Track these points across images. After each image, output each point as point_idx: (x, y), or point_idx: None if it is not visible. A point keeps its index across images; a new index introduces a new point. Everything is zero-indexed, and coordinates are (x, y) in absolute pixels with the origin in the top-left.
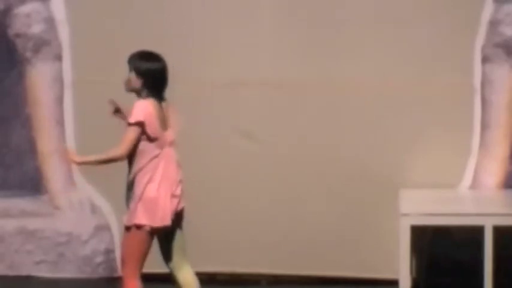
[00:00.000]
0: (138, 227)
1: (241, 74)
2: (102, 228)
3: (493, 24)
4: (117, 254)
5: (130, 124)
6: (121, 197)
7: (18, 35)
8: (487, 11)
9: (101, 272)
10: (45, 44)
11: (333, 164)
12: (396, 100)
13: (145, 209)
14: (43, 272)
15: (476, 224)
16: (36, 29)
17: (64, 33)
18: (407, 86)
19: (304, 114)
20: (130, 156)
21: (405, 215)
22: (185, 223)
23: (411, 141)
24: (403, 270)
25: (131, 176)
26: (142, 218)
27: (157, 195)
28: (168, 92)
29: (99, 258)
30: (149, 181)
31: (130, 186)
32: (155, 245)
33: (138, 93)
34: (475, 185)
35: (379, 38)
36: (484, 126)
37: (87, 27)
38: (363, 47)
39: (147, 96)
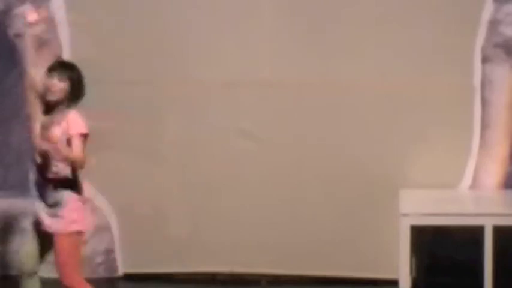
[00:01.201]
0: (79, 232)
1: (241, 74)
2: (102, 228)
3: (493, 24)
4: (117, 254)
5: (81, 135)
6: (121, 197)
7: (18, 35)
8: (487, 11)
9: (100, 272)
10: (45, 44)
11: (332, 164)
12: (396, 100)
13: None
14: (43, 272)
15: (476, 224)
16: (36, 29)
17: (64, 33)
18: (407, 86)
19: (304, 114)
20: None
21: (405, 215)
22: (186, 223)
23: (411, 141)
24: (403, 270)
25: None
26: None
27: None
28: (168, 92)
29: (99, 258)
30: None
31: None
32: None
33: (61, 103)
34: (475, 185)
35: (379, 38)
36: (484, 126)
37: (87, 27)
38: (363, 47)
39: (70, 105)
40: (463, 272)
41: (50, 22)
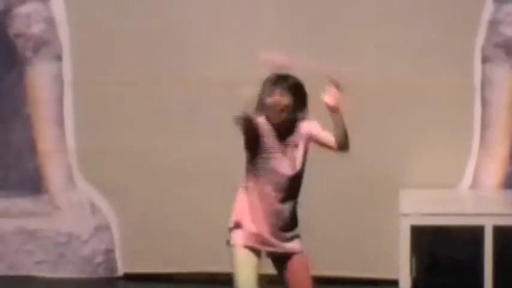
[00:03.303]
0: None
1: (241, 74)
2: (102, 228)
3: (493, 24)
4: (117, 254)
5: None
6: (121, 197)
7: (18, 35)
8: (487, 11)
9: (101, 272)
10: (45, 44)
11: (332, 164)
12: (396, 100)
13: None
14: (43, 272)
15: (476, 224)
16: (36, 29)
17: (64, 33)
18: (407, 86)
19: None
20: None
21: (405, 215)
22: (186, 223)
23: (411, 141)
24: (403, 270)
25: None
26: None
27: None
28: (167, 92)
29: (99, 258)
30: None
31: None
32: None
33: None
34: (475, 185)
35: (379, 38)
36: (484, 126)
37: (87, 27)
38: (363, 47)
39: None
40: (463, 272)
41: (50, 22)
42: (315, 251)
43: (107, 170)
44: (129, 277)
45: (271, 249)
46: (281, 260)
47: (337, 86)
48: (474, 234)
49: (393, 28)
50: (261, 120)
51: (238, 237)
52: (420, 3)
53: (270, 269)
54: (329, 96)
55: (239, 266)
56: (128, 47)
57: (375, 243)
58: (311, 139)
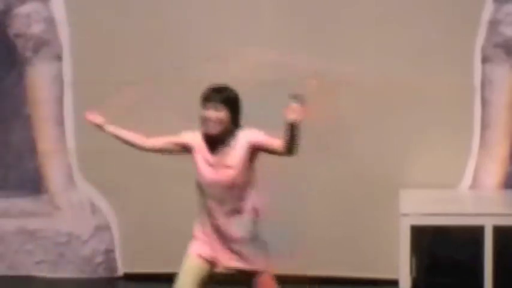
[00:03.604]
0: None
1: (241, 74)
2: (102, 228)
3: (493, 24)
4: (117, 254)
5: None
6: (121, 197)
7: (18, 35)
8: (487, 11)
9: (101, 272)
10: (45, 44)
11: (332, 164)
12: (396, 100)
13: None
14: (43, 272)
15: (476, 224)
16: (36, 29)
17: (64, 33)
18: (407, 86)
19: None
20: None
21: (405, 215)
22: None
23: (411, 141)
24: (403, 270)
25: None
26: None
27: None
28: (167, 93)
29: (99, 258)
30: None
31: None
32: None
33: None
34: (475, 185)
35: (379, 38)
36: (484, 126)
37: (87, 27)
38: (363, 47)
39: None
40: (463, 272)
41: (50, 22)
42: (315, 251)
43: (107, 170)
44: (129, 277)
45: (225, 264)
46: (244, 275)
47: (301, 101)
48: (474, 234)
49: (393, 28)
50: (196, 135)
51: (192, 247)
52: (420, 3)
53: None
54: (291, 112)
55: (180, 273)
56: (128, 47)
57: (375, 243)
58: (254, 147)
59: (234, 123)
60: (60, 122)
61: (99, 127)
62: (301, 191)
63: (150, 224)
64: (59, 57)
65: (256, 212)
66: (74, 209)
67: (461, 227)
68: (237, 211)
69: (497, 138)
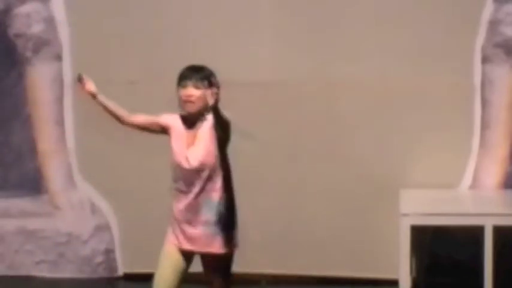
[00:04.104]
0: None
1: (241, 74)
2: (102, 228)
3: (493, 24)
4: (117, 254)
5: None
6: (121, 197)
7: (18, 35)
8: (487, 11)
9: (101, 272)
10: (45, 44)
11: (332, 164)
12: (396, 100)
13: None
14: (43, 272)
15: (476, 224)
16: (36, 29)
17: (64, 33)
18: (407, 86)
19: (304, 114)
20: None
21: (405, 215)
22: None
23: (411, 141)
24: (403, 270)
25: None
26: None
27: None
28: (167, 93)
29: (99, 258)
30: None
31: None
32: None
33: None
34: (475, 185)
35: (379, 38)
36: (484, 126)
37: (87, 27)
38: (363, 47)
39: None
40: (463, 272)
41: (50, 22)
42: (315, 251)
43: (107, 170)
44: (129, 277)
45: (193, 248)
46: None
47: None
48: (474, 234)
49: (393, 28)
50: (175, 117)
51: (168, 236)
52: (420, 3)
53: (269, 269)
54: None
55: (159, 262)
56: (128, 47)
57: (375, 243)
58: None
59: (211, 103)
60: (60, 122)
61: (93, 96)
62: (301, 191)
63: (150, 224)
64: (59, 57)
65: (223, 195)
66: (74, 209)
67: (461, 227)
68: (206, 193)
69: (497, 139)
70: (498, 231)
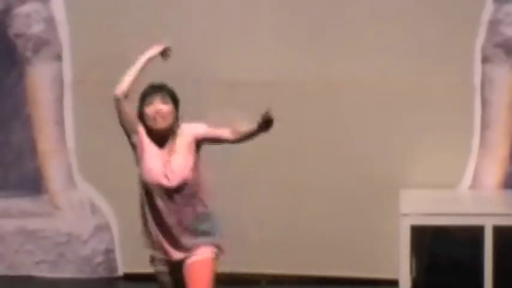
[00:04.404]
0: None
1: (241, 74)
2: (102, 228)
3: (493, 24)
4: (117, 254)
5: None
6: (121, 197)
7: (18, 35)
8: (487, 11)
9: (101, 272)
10: (45, 44)
11: (332, 164)
12: (396, 100)
13: None
14: (43, 272)
15: (476, 224)
16: (36, 29)
17: (64, 33)
18: (407, 86)
19: (304, 114)
20: None
21: (405, 215)
22: None
23: (411, 141)
24: (403, 270)
25: None
26: None
27: None
28: None
29: (99, 258)
30: None
31: None
32: None
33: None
34: (475, 185)
35: (379, 38)
36: (484, 126)
37: (87, 27)
38: (363, 47)
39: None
40: (463, 272)
41: (50, 22)
42: (315, 251)
43: (107, 170)
44: (129, 277)
45: (174, 256)
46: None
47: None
48: (474, 234)
49: (393, 28)
50: (143, 132)
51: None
52: (420, 4)
53: (269, 269)
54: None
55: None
56: (128, 47)
57: (375, 243)
58: (200, 139)
59: (177, 118)
60: (60, 122)
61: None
62: (301, 191)
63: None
64: (59, 57)
65: (206, 207)
66: (74, 209)
67: (461, 227)
68: (188, 211)
69: (497, 139)
70: (498, 231)
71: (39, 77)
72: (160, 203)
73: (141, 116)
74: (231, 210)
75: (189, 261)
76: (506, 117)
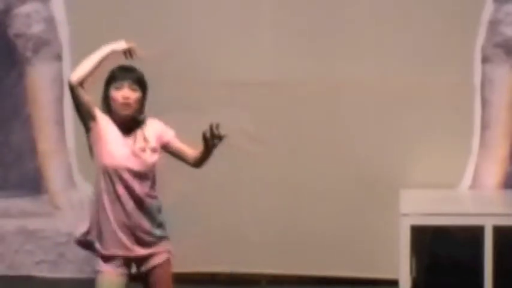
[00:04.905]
0: None
1: (241, 74)
2: None
3: (493, 24)
4: None
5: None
6: None
7: (18, 35)
8: (487, 11)
9: None
10: (45, 44)
11: (333, 164)
12: (396, 100)
13: None
14: (43, 272)
15: (476, 224)
16: (36, 29)
17: (64, 33)
18: (407, 86)
19: (304, 114)
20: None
21: (405, 215)
22: (185, 223)
23: (411, 141)
24: (403, 270)
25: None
26: None
27: None
28: (168, 92)
29: None
30: None
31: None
32: None
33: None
34: (475, 185)
35: (379, 38)
36: (484, 126)
37: (87, 27)
38: (363, 47)
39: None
40: (463, 272)
41: (50, 22)
42: (315, 251)
43: None
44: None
45: (133, 254)
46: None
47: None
48: (474, 234)
49: (393, 28)
50: (104, 117)
51: (102, 265)
52: (420, 3)
53: (269, 269)
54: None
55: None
56: None
57: (375, 243)
58: (163, 143)
59: (143, 104)
60: (60, 122)
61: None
62: (301, 191)
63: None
64: (59, 57)
65: (156, 198)
66: (74, 209)
67: (461, 227)
68: (147, 197)
69: (497, 139)
70: (498, 231)
71: (39, 77)
72: (120, 189)
73: (106, 98)
74: (231, 210)
75: (151, 264)
76: (506, 117)
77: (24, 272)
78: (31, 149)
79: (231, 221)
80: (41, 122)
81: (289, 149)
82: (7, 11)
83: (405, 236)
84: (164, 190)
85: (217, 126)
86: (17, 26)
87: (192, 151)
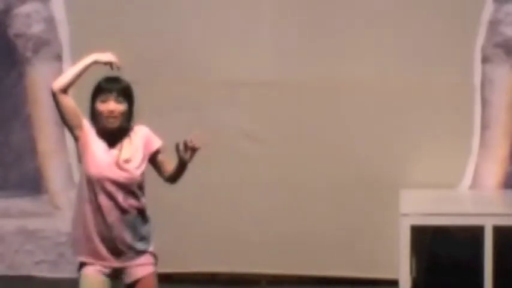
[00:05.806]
0: None
1: (242, 74)
2: None
3: (493, 24)
4: None
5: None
6: None
7: (18, 35)
8: (487, 11)
9: None
10: (45, 44)
11: (333, 164)
12: (396, 100)
13: None
14: (43, 272)
15: (476, 224)
16: (36, 29)
17: (64, 33)
18: (407, 86)
19: (304, 114)
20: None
21: (405, 215)
22: (185, 223)
23: (411, 141)
24: (403, 270)
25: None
26: None
27: None
28: (168, 92)
29: None
30: None
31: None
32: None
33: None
34: (475, 185)
35: (379, 38)
36: (484, 126)
37: (87, 27)
38: (363, 47)
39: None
40: (463, 272)
41: (50, 22)
42: (315, 251)
43: None
44: None
45: (111, 264)
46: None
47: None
48: (474, 234)
49: (393, 28)
50: (90, 127)
51: (86, 268)
52: (420, 3)
53: (269, 269)
54: (197, 140)
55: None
56: (128, 46)
57: (375, 243)
58: (149, 150)
59: (131, 115)
60: (60, 122)
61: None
62: (301, 191)
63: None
64: (59, 57)
65: (143, 210)
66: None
67: (461, 227)
68: (130, 209)
69: (497, 139)
70: (498, 231)
71: (39, 77)
72: (103, 199)
73: (93, 111)
74: (231, 210)
75: (136, 276)
76: (506, 117)
77: (24, 272)
78: (31, 149)
79: (231, 221)
80: (41, 122)
81: (289, 149)
82: (7, 11)
83: (405, 236)
84: (164, 190)
85: (197, 136)
86: (17, 26)
87: (170, 167)
